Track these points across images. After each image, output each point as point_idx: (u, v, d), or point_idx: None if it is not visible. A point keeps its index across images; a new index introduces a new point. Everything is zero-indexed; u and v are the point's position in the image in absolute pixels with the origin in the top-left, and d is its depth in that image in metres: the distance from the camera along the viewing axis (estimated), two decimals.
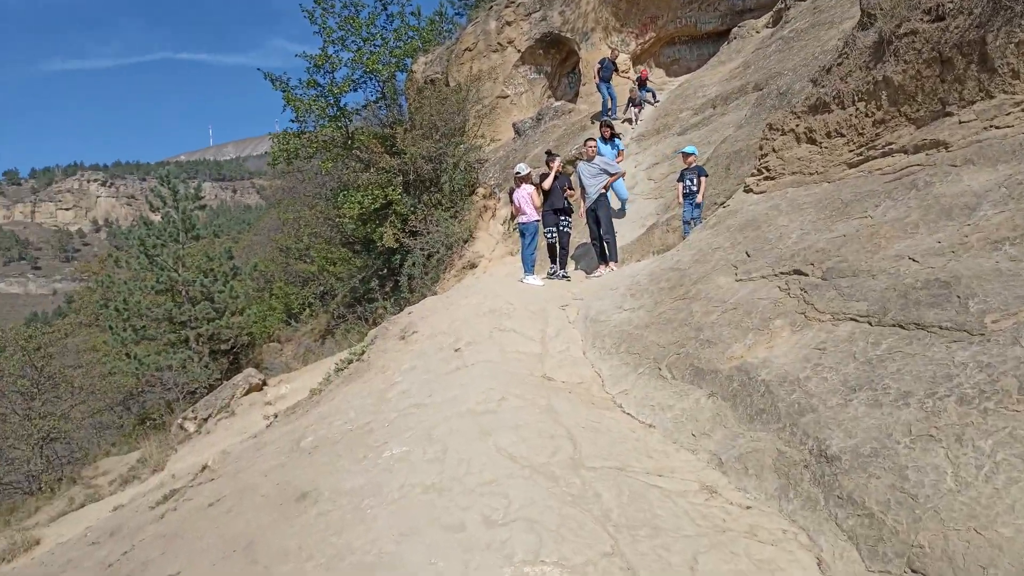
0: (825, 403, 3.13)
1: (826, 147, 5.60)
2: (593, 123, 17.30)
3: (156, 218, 19.30)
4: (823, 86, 5.75)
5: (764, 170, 6.15)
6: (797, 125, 5.92)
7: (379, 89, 15.81)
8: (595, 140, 10.04)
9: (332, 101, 15.16)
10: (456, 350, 5.35)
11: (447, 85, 21.05)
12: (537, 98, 24.35)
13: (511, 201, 15.07)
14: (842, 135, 5.49)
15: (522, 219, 8.42)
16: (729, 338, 4.11)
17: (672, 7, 22.20)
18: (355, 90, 15.41)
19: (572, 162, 14.40)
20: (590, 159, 8.93)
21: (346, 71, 15.11)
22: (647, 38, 22.52)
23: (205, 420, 11.64)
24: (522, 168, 8.53)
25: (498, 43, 24.27)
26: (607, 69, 17.26)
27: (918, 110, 4.90)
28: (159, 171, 20.63)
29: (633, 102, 16.01)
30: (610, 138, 10.70)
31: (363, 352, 6.65)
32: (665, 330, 4.67)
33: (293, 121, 15.62)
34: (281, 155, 15.82)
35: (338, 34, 14.84)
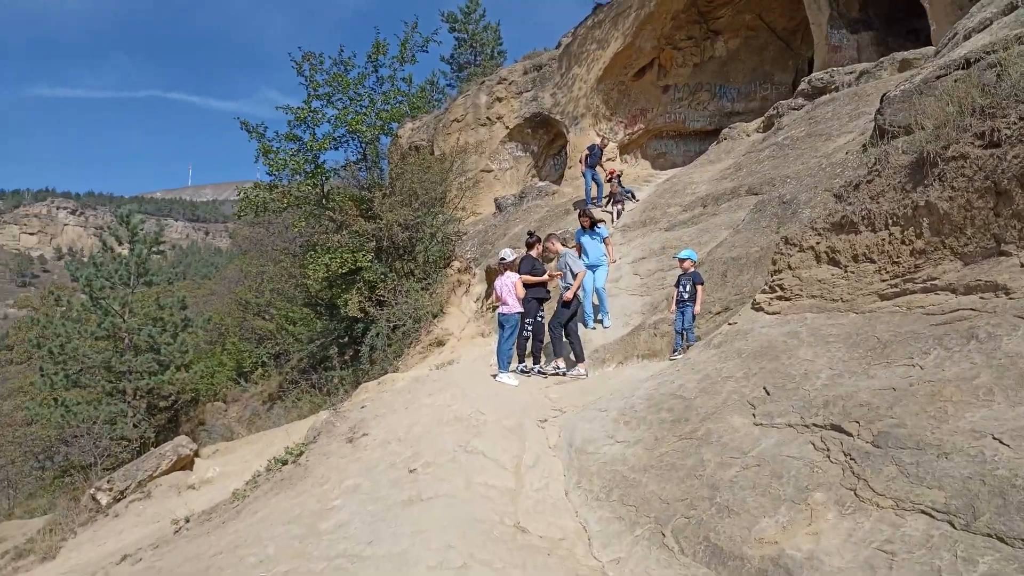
0: None
1: (852, 272, 4.96)
2: (575, 209, 16.90)
3: (123, 250, 18.12)
4: (850, 203, 5.18)
5: (778, 288, 5.49)
6: (818, 243, 5.31)
7: (361, 150, 15.24)
8: (555, 239, 9.74)
9: (310, 157, 14.50)
10: (412, 471, 4.44)
11: (432, 153, 20.67)
12: (521, 176, 24.12)
13: (491, 286, 14.35)
14: (872, 261, 4.87)
15: (503, 309, 7.65)
16: (755, 508, 3.30)
17: (662, 102, 22.41)
18: (336, 148, 14.82)
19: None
20: (548, 259, 8.81)
21: (328, 128, 14.53)
22: (636, 129, 22.60)
23: (122, 493, 10.32)
24: (507, 254, 7.83)
25: (487, 117, 24.17)
26: (595, 156, 16.98)
27: (966, 244, 4.30)
28: (123, 208, 19.59)
29: (614, 198, 15.54)
30: (590, 227, 10.12)
31: (301, 453, 5.68)
32: (670, 479, 3.85)
33: (268, 174, 14.91)
34: (248, 207, 15.00)
35: (324, 90, 14.33)
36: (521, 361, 8.64)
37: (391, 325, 14.84)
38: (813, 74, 14.94)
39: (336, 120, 14.37)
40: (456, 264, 16.43)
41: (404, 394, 6.60)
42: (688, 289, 7.34)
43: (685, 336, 7.19)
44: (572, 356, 8.73)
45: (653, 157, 23.10)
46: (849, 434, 3.45)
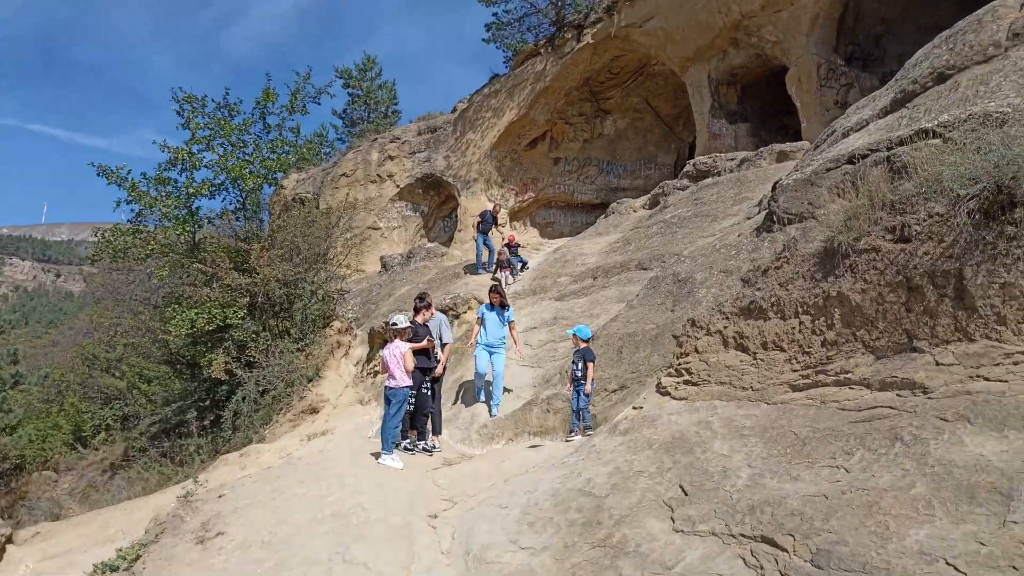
0: None
1: (762, 360, 4.80)
2: (466, 273, 16.55)
3: None
4: (758, 288, 5.07)
5: (684, 371, 5.26)
6: (725, 327, 5.15)
7: (240, 199, 14.18)
8: (430, 306, 8.96)
9: (183, 202, 13.28)
10: None
11: (317, 207, 19.76)
12: (410, 235, 23.63)
13: (375, 349, 13.53)
14: (782, 349, 4.73)
15: (390, 383, 6.95)
16: None
17: (552, 173, 22.91)
18: (212, 196, 13.68)
19: (444, 311, 13.31)
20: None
21: (208, 174, 13.42)
22: (526, 197, 22.88)
23: None
24: (400, 320, 7.18)
25: (378, 175, 23.68)
26: (487, 222, 16.80)
27: (879, 338, 4.23)
28: None
29: (502, 265, 15.30)
30: (499, 305, 9.41)
31: (137, 557, 4.67)
32: None
33: (130, 221, 13.48)
34: (106, 250, 13.45)
35: (205, 133, 13.29)
36: (404, 437, 7.95)
37: (260, 389, 13.57)
38: (697, 158, 15.69)
39: (216, 165, 13.31)
40: (336, 324, 15.47)
41: (271, 480, 5.72)
42: (580, 367, 7.01)
43: (581, 416, 6.82)
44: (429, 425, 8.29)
45: (542, 225, 23.41)
46: (784, 549, 3.11)
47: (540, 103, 21.37)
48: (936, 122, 6.33)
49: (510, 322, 9.30)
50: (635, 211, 17.17)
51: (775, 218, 7.45)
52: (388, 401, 6.93)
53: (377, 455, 6.78)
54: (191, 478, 13.63)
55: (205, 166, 13.23)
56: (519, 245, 16.28)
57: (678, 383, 5.22)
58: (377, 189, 23.45)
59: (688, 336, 5.35)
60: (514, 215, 22.41)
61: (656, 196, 16.57)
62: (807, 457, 3.78)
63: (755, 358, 4.82)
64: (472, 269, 16.49)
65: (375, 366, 13.86)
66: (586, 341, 7.13)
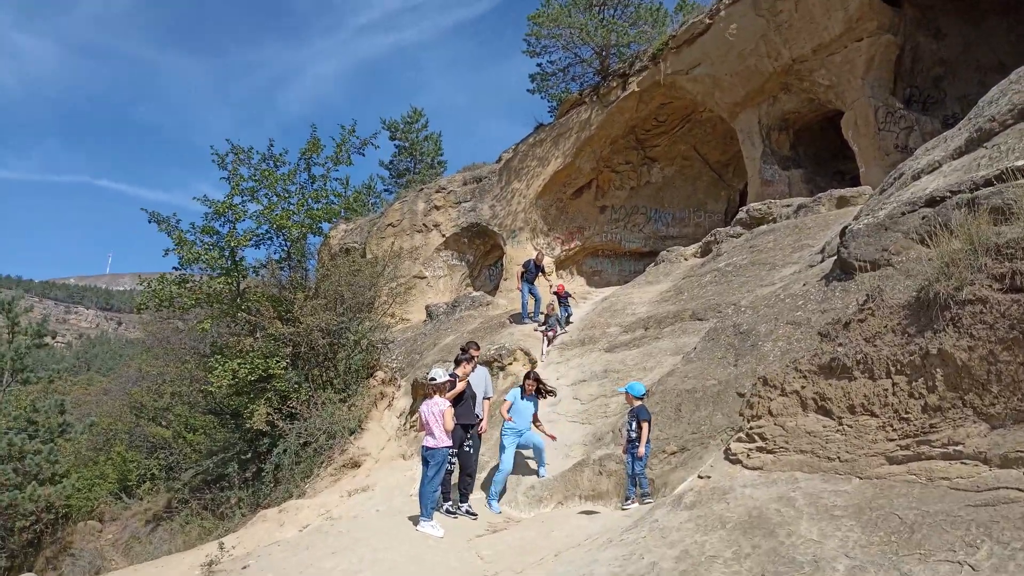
0: None
1: (850, 426, 4.22)
2: (511, 322, 16.14)
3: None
4: (840, 343, 4.52)
5: (757, 436, 4.70)
6: (803, 387, 4.59)
7: (285, 248, 14.18)
8: (472, 359, 8.29)
9: (228, 253, 13.32)
10: None
11: (363, 256, 19.79)
12: (455, 284, 23.46)
13: (417, 400, 13.15)
14: (873, 414, 4.15)
15: (428, 442, 6.49)
16: None
17: (599, 221, 22.56)
18: (257, 246, 13.71)
19: (488, 363, 12.90)
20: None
21: (251, 224, 13.48)
22: (572, 246, 22.54)
23: None
24: (439, 374, 6.75)
25: (423, 224, 23.72)
26: (531, 271, 16.38)
27: (993, 404, 3.64)
28: (9, 292, 17.57)
29: (548, 322, 14.09)
30: (536, 392, 8.48)
31: None
32: None
33: (176, 268, 13.56)
34: (152, 299, 13.53)
35: (249, 184, 13.40)
36: (446, 500, 7.46)
37: (301, 441, 13.28)
38: (751, 204, 15.13)
39: (260, 216, 13.36)
40: (380, 375, 15.19)
41: (301, 550, 5.30)
42: (634, 427, 6.46)
43: (637, 481, 6.24)
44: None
45: (589, 274, 22.98)
46: None
47: (585, 151, 21.19)
48: None
49: (535, 413, 8.31)
50: (686, 259, 16.62)
51: (846, 266, 6.88)
52: (426, 462, 6.46)
53: (416, 519, 6.31)
54: (228, 534, 13.35)
55: (249, 217, 13.29)
56: (568, 294, 15.74)
57: (750, 450, 4.65)
58: (423, 238, 23.46)
59: (759, 396, 4.80)
60: (560, 264, 22.04)
61: (708, 244, 16.02)
62: (918, 547, 3.19)
63: (840, 423, 4.24)
64: (518, 319, 16.08)
65: (417, 419, 13.47)
66: (639, 399, 6.58)
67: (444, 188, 23.94)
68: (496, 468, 8.29)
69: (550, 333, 14.03)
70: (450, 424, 6.43)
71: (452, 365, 8.15)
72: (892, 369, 4.13)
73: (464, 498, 7.72)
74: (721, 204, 22.55)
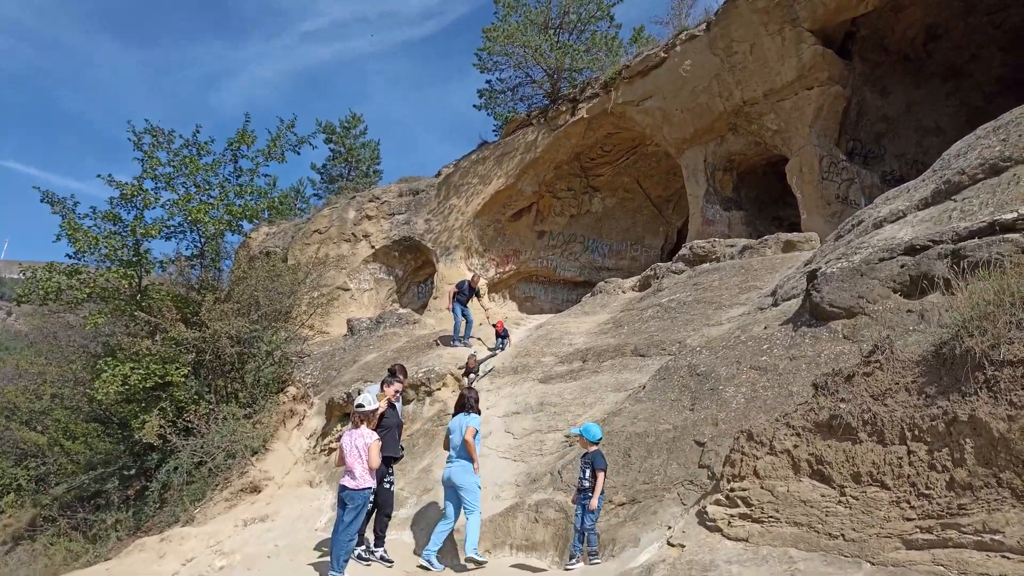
0: None
1: (855, 498, 3.59)
2: (439, 344, 15.18)
3: None
4: (842, 399, 3.91)
5: (740, 502, 4.02)
6: (795, 446, 3.96)
7: (199, 244, 12.82)
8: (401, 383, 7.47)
9: (132, 244, 11.88)
10: None
11: (285, 262, 18.46)
12: (381, 300, 22.34)
13: (330, 422, 12.00)
14: (884, 486, 3.54)
15: (347, 482, 5.44)
16: None
17: (536, 247, 22.03)
18: (168, 239, 12.30)
19: (415, 387, 11.90)
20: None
21: (162, 213, 12.09)
22: (507, 269, 21.89)
23: None
24: (367, 400, 5.71)
25: (352, 233, 22.56)
26: (464, 292, 15.49)
27: None
28: None
29: (469, 371, 12.36)
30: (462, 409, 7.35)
31: None
32: None
33: (69, 256, 12.00)
34: (35, 291, 11.90)
35: (166, 170, 12.04)
36: (360, 543, 6.46)
37: (196, 459, 11.88)
38: (695, 241, 14.85)
39: (173, 206, 11.99)
40: (292, 390, 13.94)
41: None
42: (588, 476, 5.69)
43: (586, 538, 5.46)
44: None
45: (521, 299, 22.36)
46: None
47: (529, 174, 20.69)
48: (1017, 214, 5.43)
49: (469, 426, 7.10)
50: (623, 292, 16.16)
51: (817, 311, 6.39)
52: (343, 504, 5.42)
53: (322, 569, 5.29)
54: (99, 560, 11.70)
55: (161, 206, 11.92)
56: (507, 332, 14.81)
57: (731, 516, 3.96)
58: (351, 248, 22.27)
59: (743, 454, 4.13)
60: (493, 287, 21.31)
61: (647, 278, 15.63)
62: None
63: (843, 493, 3.61)
64: (447, 340, 15.14)
65: (330, 442, 12.30)
66: (595, 443, 5.82)
67: (378, 198, 22.89)
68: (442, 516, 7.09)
69: (470, 376, 12.67)
70: (376, 462, 5.46)
71: (376, 388, 7.18)
72: (908, 434, 3.54)
73: (380, 541, 6.74)
74: (659, 240, 22.45)
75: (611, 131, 19.76)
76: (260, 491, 11.38)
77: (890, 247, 6.34)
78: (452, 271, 20.58)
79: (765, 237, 13.36)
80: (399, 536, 7.82)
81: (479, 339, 15.61)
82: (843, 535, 3.48)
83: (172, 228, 12.50)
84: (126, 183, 11.60)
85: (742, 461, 4.09)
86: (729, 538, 3.86)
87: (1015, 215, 5.39)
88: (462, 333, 15.18)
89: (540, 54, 19.70)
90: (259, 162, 13.57)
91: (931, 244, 6.04)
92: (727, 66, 16.14)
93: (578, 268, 22.34)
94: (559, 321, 15.61)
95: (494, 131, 25.03)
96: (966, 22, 15.70)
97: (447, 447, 7.19)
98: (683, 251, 14.86)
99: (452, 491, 6.85)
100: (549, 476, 7.35)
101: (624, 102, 18.55)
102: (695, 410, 6.51)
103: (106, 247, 11.51)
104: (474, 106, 23.38)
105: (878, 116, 16.29)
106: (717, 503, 4.10)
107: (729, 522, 3.93)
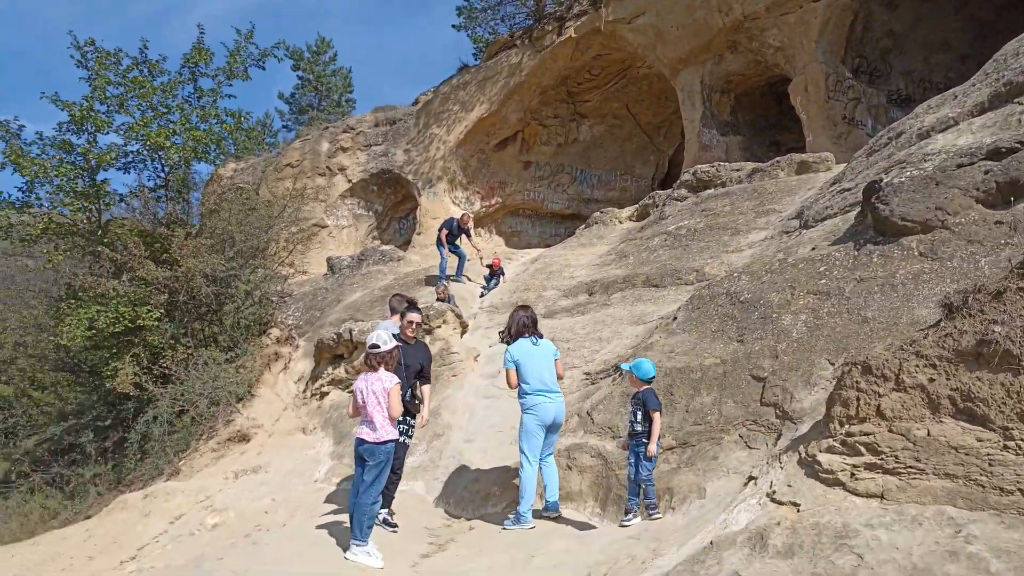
0: None
1: None
2: (428, 284, 14.32)
3: None
4: (993, 320, 3.20)
5: (864, 449, 3.35)
6: (931, 379, 3.27)
7: (163, 175, 11.63)
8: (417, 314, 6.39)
9: (86, 172, 10.67)
10: None
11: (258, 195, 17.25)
12: (361, 237, 21.27)
13: (320, 365, 11.31)
14: None
15: (366, 434, 4.59)
16: None
17: (523, 178, 21.00)
18: (127, 169, 11.09)
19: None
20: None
21: (117, 139, 10.86)
22: (493, 202, 20.91)
23: None
24: (382, 339, 4.80)
25: (327, 167, 21.23)
26: (453, 233, 14.57)
27: None
28: None
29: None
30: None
31: None
32: None
33: (21, 189, 10.77)
34: None
35: (116, 91, 10.70)
36: (384, 505, 5.72)
37: (177, 408, 11.06)
38: (698, 167, 14.02)
39: (130, 130, 10.73)
40: (275, 332, 13.05)
41: None
42: (640, 419, 4.99)
43: (643, 490, 4.80)
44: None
45: (508, 234, 21.47)
46: None
47: (513, 100, 19.48)
48: None
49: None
50: (621, 222, 15.41)
51: (885, 226, 5.68)
52: (362, 461, 4.59)
53: (345, 552, 4.49)
54: (78, 518, 10.93)
55: (115, 131, 10.67)
56: (503, 270, 14.13)
57: (854, 467, 3.29)
58: (326, 183, 21.00)
59: (859, 391, 3.44)
60: (479, 221, 20.31)
61: (646, 207, 14.88)
62: None
63: (1008, 437, 2.94)
64: (433, 281, 14.28)
65: (321, 386, 11.55)
66: (647, 382, 5.09)
67: (353, 128, 21.49)
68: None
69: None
70: (398, 409, 4.65)
71: (390, 324, 6.32)
72: None
73: (387, 501, 5.97)
74: (649, 168, 21.57)
75: (600, 52, 18.57)
76: (249, 440, 10.66)
77: (968, 151, 5.60)
78: (435, 205, 19.57)
79: (776, 159, 12.61)
80: (411, 486, 7.18)
81: (468, 277, 14.84)
82: (1020, 489, 2.83)
83: (131, 156, 11.27)
84: (75, 103, 10.28)
85: (859, 400, 3.41)
86: (857, 494, 3.20)
87: None
88: (451, 272, 14.36)
89: None
90: (221, 81, 12.26)
91: (1019, 146, 5.31)
92: None
93: (566, 200, 21.43)
94: (556, 254, 14.85)
95: (475, 55, 23.54)
96: None
97: (517, 382, 5.88)
98: (685, 176, 14.05)
99: (546, 432, 5.75)
100: (577, 418, 6.69)
101: (615, 19, 17.33)
102: (744, 342, 5.84)
103: (58, 176, 10.30)
104: (452, 26, 21.86)
105: (884, 31, 15.38)
106: (831, 450, 3.42)
107: (852, 474, 3.27)
